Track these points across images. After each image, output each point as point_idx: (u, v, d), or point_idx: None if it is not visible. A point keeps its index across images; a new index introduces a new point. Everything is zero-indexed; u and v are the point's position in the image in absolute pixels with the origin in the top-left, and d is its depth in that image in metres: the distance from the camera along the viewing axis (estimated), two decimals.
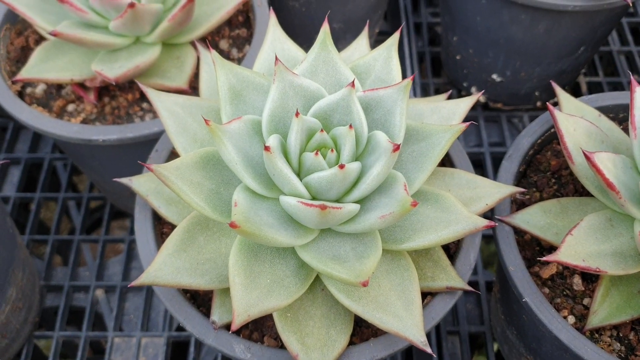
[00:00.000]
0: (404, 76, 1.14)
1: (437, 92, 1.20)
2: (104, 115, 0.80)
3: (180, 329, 0.93)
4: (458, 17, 1.03)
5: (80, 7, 0.73)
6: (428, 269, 0.62)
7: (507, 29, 0.96)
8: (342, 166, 0.52)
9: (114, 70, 0.72)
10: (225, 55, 0.86)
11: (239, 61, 0.85)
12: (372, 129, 0.58)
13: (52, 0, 0.78)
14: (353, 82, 0.56)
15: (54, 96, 0.81)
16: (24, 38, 0.86)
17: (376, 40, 1.21)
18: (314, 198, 0.56)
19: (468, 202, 0.64)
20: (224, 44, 0.86)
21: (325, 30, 0.62)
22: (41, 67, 0.76)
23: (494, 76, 1.06)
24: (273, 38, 0.68)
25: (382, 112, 0.59)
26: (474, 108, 1.18)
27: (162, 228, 0.68)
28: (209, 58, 0.70)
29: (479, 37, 1.01)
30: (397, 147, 0.52)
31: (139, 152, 0.80)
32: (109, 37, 0.74)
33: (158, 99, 0.62)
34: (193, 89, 0.80)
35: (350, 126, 0.55)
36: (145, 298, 0.95)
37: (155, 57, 0.75)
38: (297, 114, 0.54)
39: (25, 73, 0.75)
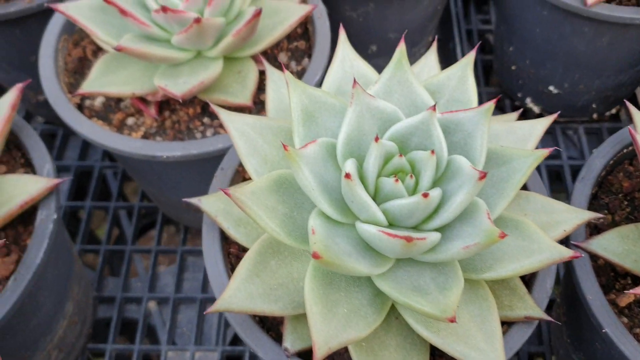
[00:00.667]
0: None
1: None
2: (164, 129, 0.79)
3: (234, 343, 0.92)
4: (516, 27, 1.00)
5: (143, 20, 0.72)
6: (505, 297, 0.60)
7: (568, 41, 0.93)
8: (425, 195, 0.50)
9: (178, 86, 0.71)
10: (285, 68, 0.84)
11: (298, 74, 0.84)
12: (450, 152, 0.56)
13: (112, 12, 0.77)
14: (434, 106, 0.54)
15: (113, 109, 0.81)
16: (81, 49, 0.85)
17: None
18: (390, 224, 0.55)
19: (545, 227, 0.61)
20: (282, 57, 0.85)
21: (401, 50, 0.60)
22: (102, 81, 0.75)
23: (551, 88, 1.04)
24: (343, 56, 0.66)
25: (461, 136, 0.57)
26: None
27: (228, 248, 0.67)
28: (275, 75, 0.69)
29: (537, 48, 0.99)
30: (483, 175, 0.50)
31: (200, 167, 0.79)
32: (171, 52, 0.73)
33: (229, 120, 0.61)
34: (254, 103, 0.78)
35: (433, 152, 0.53)
36: (198, 311, 0.94)
37: (218, 73, 0.74)
38: (376, 139, 0.53)
39: (86, 87, 0.74)
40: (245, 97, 0.75)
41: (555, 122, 1.12)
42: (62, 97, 0.77)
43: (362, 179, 0.55)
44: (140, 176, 0.89)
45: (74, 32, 0.86)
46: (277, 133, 0.63)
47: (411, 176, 0.54)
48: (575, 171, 1.06)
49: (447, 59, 1.21)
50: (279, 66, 0.85)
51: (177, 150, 0.73)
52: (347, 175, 0.51)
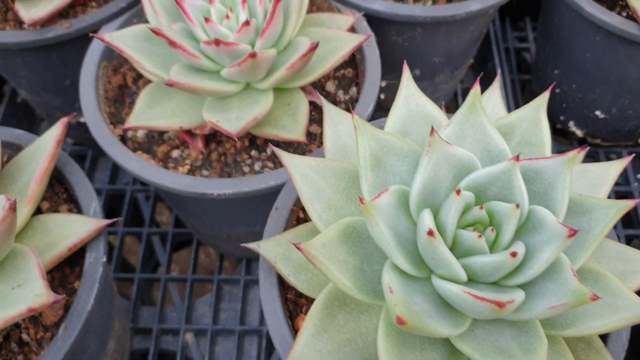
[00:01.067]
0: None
1: None
2: (210, 162, 0.76)
3: None
4: (563, 51, 0.97)
5: (193, 52, 0.69)
6: (581, 352, 0.57)
7: (622, 67, 0.90)
8: (514, 254, 0.48)
9: (231, 123, 0.68)
10: (332, 97, 0.81)
11: (346, 103, 0.81)
12: (529, 201, 0.54)
13: (156, 40, 0.74)
14: (517, 156, 0.51)
15: (156, 140, 0.78)
16: (121, 76, 0.82)
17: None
18: (470, 280, 0.52)
19: (621, 277, 0.59)
20: (330, 86, 0.82)
21: (475, 92, 0.57)
22: (148, 114, 0.73)
23: (597, 112, 1.01)
24: (407, 94, 0.63)
25: (541, 185, 0.54)
26: (570, 142, 1.13)
27: (286, 293, 0.64)
28: (332, 111, 0.66)
29: (586, 73, 0.96)
30: (573, 233, 0.48)
31: (248, 203, 0.76)
32: (222, 85, 0.71)
33: (292, 163, 0.58)
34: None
35: (517, 206, 0.50)
36: (237, 343, 0.91)
37: (270, 107, 0.71)
38: (458, 192, 0.50)
39: (133, 121, 0.71)
40: (298, 132, 0.72)
41: (599, 146, 1.09)
42: (105, 129, 0.74)
43: (439, 231, 0.52)
44: (181, 208, 0.86)
45: (112, 58, 0.83)
46: (340, 176, 0.60)
47: (492, 229, 0.52)
48: (621, 197, 1.03)
49: (486, 79, 1.18)
50: (326, 95, 0.82)
51: (228, 188, 0.70)
52: (430, 233, 0.48)
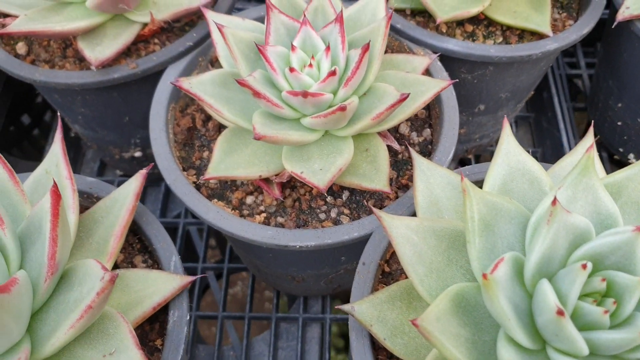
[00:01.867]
0: (560, 139, 1.07)
1: None
2: (284, 208, 0.74)
3: None
4: (630, 85, 0.95)
5: (276, 102, 0.67)
6: None
7: None
8: None
9: (316, 175, 0.66)
10: (407, 139, 0.79)
11: (420, 146, 0.79)
12: None
13: (232, 86, 0.72)
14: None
15: (229, 186, 0.76)
16: (190, 118, 0.80)
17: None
18: (591, 354, 0.50)
19: None
20: (403, 128, 0.80)
21: (589, 155, 0.55)
22: (227, 163, 0.70)
23: None
24: (507, 150, 0.61)
25: None
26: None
27: (377, 354, 0.62)
28: (424, 165, 0.64)
29: None
30: None
31: (323, 252, 0.74)
32: (304, 134, 0.68)
33: (392, 225, 0.56)
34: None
35: None
36: None
37: (352, 155, 0.69)
38: (584, 266, 0.48)
39: (213, 172, 0.69)
40: (381, 181, 0.69)
41: None
42: (180, 177, 0.72)
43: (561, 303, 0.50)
44: (248, 252, 0.84)
45: (179, 99, 0.81)
46: (441, 237, 0.58)
47: (614, 302, 0.50)
48: None
49: (541, 108, 1.16)
50: (399, 138, 0.80)
51: (310, 240, 0.68)
52: (560, 312, 0.46)
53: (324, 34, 0.71)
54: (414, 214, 0.69)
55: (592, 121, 0.70)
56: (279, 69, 0.68)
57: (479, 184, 0.71)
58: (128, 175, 1.11)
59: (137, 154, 0.99)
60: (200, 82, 0.70)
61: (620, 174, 0.58)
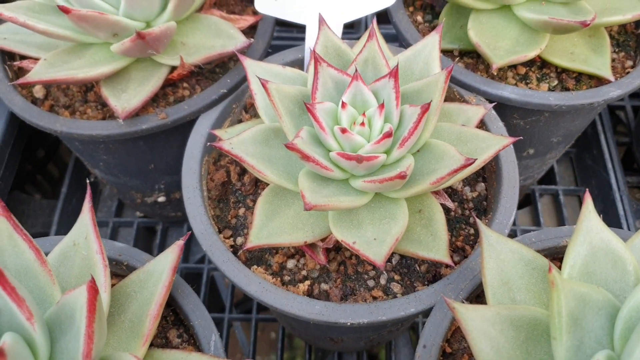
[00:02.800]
0: (608, 179, 1.01)
1: (633, 193, 1.06)
2: (329, 273, 0.68)
3: None
4: None
5: (325, 165, 0.61)
6: None
7: None
8: None
9: (371, 247, 0.60)
10: (459, 195, 0.73)
11: (473, 202, 0.73)
12: None
13: (273, 142, 0.66)
14: None
15: (269, 249, 0.70)
16: (224, 172, 0.74)
17: None
18: None
19: None
20: (456, 183, 0.74)
21: None
22: (270, 229, 0.64)
23: None
24: (588, 227, 0.55)
25: None
26: None
27: None
28: (492, 238, 0.58)
29: None
30: None
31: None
32: (355, 199, 0.62)
33: (467, 318, 0.51)
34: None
35: None
36: None
37: (407, 221, 0.63)
38: None
39: (255, 240, 0.63)
40: (440, 250, 0.63)
41: None
42: (217, 242, 0.66)
43: None
44: (286, 316, 0.78)
45: (212, 150, 0.75)
46: (518, 327, 0.53)
47: None
48: None
49: (584, 144, 1.10)
50: (452, 193, 0.74)
51: (363, 317, 0.62)
52: None
53: (376, 89, 0.64)
54: (477, 287, 0.63)
55: None
56: (327, 128, 0.62)
57: (546, 251, 0.65)
58: (148, 216, 1.05)
59: (161, 199, 0.93)
60: (242, 141, 0.64)
61: None
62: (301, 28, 1.22)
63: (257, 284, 0.64)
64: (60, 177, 1.21)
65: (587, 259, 0.55)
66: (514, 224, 1.04)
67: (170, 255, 0.61)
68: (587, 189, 0.57)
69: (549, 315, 0.53)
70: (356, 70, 0.64)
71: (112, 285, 0.64)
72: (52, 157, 1.19)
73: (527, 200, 1.12)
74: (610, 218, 0.99)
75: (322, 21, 0.69)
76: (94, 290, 0.47)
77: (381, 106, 0.63)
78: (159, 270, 0.61)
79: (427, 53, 0.69)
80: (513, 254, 0.58)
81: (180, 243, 0.62)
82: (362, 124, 0.63)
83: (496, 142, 0.66)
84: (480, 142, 0.66)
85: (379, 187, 0.61)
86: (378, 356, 1.23)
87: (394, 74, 0.63)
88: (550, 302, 0.49)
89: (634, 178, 1.07)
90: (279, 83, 0.70)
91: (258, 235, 0.64)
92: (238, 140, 0.64)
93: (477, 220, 0.59)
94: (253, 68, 0.71)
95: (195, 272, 0.99)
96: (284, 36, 1.23)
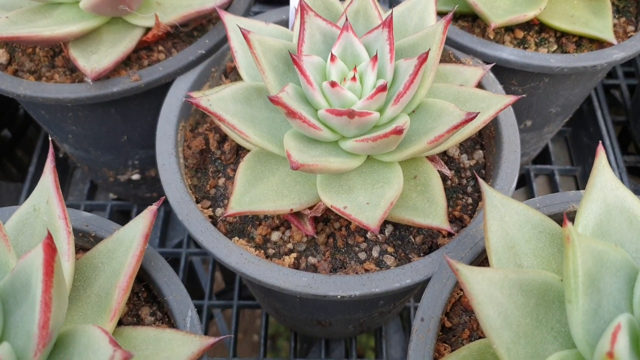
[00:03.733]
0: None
1: (634, 171, 1.02)
2: (317, 245, 0.63)
3: None
4: None
5: (313, 123, 0.55)
6: None
7: None
8: None
9: (364, 211, 0.55)
10: (456, 163, 0.68)
11: (470, 170, 0.68)
12: None
13: (256, 102, 0.60)
14: None
15: (251, 220, 0.64)
16: (202, 139, 0.68)
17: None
18: None
19: None
20: (452, 149, 0.69)
21: None
22: (252, 196, 0.59)
23: None
24: (603, 184, 0.50)
25: None
26: None
27: None
28: (497, 199, 0.53)
29: None
30: None
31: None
32: (345, 161, 0.57)
33: (473, 281, 0.45)
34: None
35: None
36: None
37: (402, 185, 0.57)
38: None
39: (237, 206, 0.58)
40: (438, 216, 0.58)
41: None
42: (195, 211, 0.61)
43: None
44: (270, 295, 0.72)
45: (189, 116, 0.69)
46: (528, 292, 0.48)
47: None
48: None
49: (580, 122, 1.06)
50: (448, 161, 0.69)
51: (355, 289, 0.56)
52: None
53: (368, 42, 0.59)
54: (478, 256, 0.58)
55: None
56: (315, 84, 0.57)
57: (553, 217, 0.60)
58: (122, 199, 0.99)
59: (135, 176, 0.87)
60: (221, 98, 0.58)
61: None
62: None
63: (238, 255, 0.58)
64: (29, 162, 1.14)
65: (602, 217, 0.50)
66: None
67: (142, 222, 0.55)
68: (600, 142, 0.52)
69: (561, 279, 0.48)
70: (347, 20, 0.58)
71: (78, 258, 0.58)
72: (20, 139, 1.12)
73: (522, 181, 1.07)
74: None
75: None
76: (50, 248, 0.41)
77: (374, 59, 0.57)
78: (129, 239, 0.55)
79: (422, 7, 0.64)
80: (519, 216, 0.53)
81: (153, 208, 0.56)
82: (354, 78, 0.58)
83: (497, 101, 0.61)
84: (479, 101, 0.62)
85: (372, 146, 0.55)
86: (365, 350, 1.17)
87: (388, 23, 0.58)
88: (565, 261, 0.44)
89: (631, 157, 1.03)
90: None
91: (240, 202, 0.59)
92: (217, 97, 0.58)
93: (480, 180, 0.54)
94: (234, 24, 0.65)
95: (173, 257, 0.93)
96: None
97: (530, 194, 1.02)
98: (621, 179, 0.94)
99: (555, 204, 0.60)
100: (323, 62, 0.59)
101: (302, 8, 0.58)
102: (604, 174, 0.50)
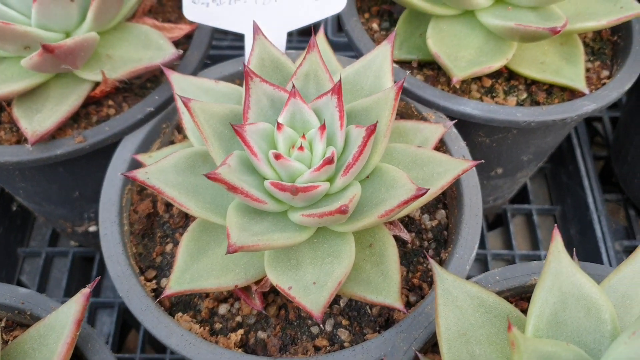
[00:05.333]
0: (585, 198, 0.94)
1: (613, 210, 0.99)
2: (267, 318, 0.60)
3: None
4: None
5: (257, 197, 0.52)
6: None
7: None
8: None
9: (310, 293, 0.51)
10: (417, 224, 0.65)
11: (432, 232, 0.65)
12: None
13: (201, 169, 0.57)
14: None
15: (198, 292, 0.61)
16: (150, 202, 0.65)
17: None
18: None
19: None
20: (414, 211, 0.65)
21: None
22: (194, 271, 0.56)
23: None
24: (558, 270, 0.47)
25: None
26: None
27: None
28: (447, 281, 0.50)
29: None
30: None
31: None
32: (292, 235, 0.54)
33: None
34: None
35: None
36: None
37: (353, 260, 0.54)
38: None
39: (176, 285, 0.55)
40: (391, 293, 0.55)
41: None
42: (135, 287, 0.58)
43: None
44: None
45: None
46: None
47: None
48: None
49: (559, 159, 1.02)
50: (408, 223, 0.66)
51: None
52: None
53: (318, 107, 0.56)
54: (432, 336, 0.55)
55: None
56: (261, 153, 0.54)
57: (513, 291, 0.57)
58: (84, 246, 0.95)
59: (92, 228, 0.84)
60: (161, 170, 0.55)
61: None
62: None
63: (178, 336, 0.55)
64: None
65: (557, 306, 0.47)
66: (484, 247, 0.96)
67: (74, 307, 0.52)
68: (555, 225, 0.48)
69: None
70: (293, 86, 0.55)
71: (7, 341, 0.55)
72: None
73: (498, 221, 1.04)
74: (588, 240, 0.91)
75: (256, 29, 0.61)
76: None
77: (322, 127, 0.54)
78: (61, 325, 0.52)
79: (378, 65, 0.61)
80: (472, 300, 0.50)
81: (85, 291, 0.53)
82: (301, 147, 0.54)
83: (455, 166, 0.58)
84: (437, 165, 0.58)
85: (319, 222, 0.52)
86: None
87: (337, 90, 0.54)
88: None
89: (612, 195, 0.99)
90: (209, 101, 0.62)
91: (179, 280, 0.55)
92: (157, 169, 0.55)
93: (431, 260, 0.51)
94: (181, 84, 0.62)
95: (107, 306, 0.90)
96: (236, 45, 1.14)
97: (506, 235, 0.99)
98: (599, 221, 0.91)
99: (515, 277, 0.57)
100: (271, 128, 0.56)
101: (246, 74, 0.55)
102: (560, 260, 0.47)
